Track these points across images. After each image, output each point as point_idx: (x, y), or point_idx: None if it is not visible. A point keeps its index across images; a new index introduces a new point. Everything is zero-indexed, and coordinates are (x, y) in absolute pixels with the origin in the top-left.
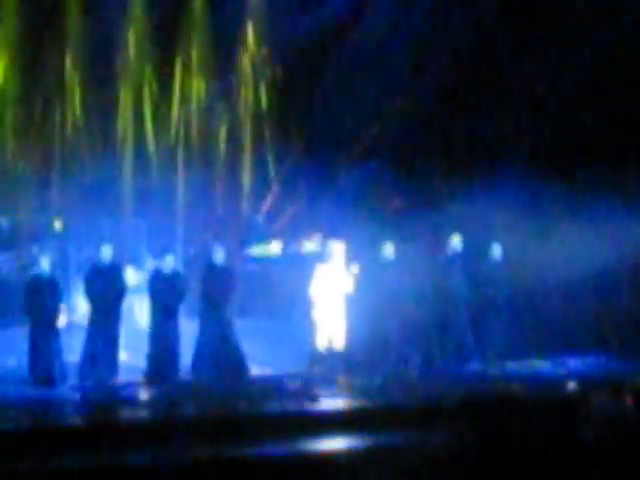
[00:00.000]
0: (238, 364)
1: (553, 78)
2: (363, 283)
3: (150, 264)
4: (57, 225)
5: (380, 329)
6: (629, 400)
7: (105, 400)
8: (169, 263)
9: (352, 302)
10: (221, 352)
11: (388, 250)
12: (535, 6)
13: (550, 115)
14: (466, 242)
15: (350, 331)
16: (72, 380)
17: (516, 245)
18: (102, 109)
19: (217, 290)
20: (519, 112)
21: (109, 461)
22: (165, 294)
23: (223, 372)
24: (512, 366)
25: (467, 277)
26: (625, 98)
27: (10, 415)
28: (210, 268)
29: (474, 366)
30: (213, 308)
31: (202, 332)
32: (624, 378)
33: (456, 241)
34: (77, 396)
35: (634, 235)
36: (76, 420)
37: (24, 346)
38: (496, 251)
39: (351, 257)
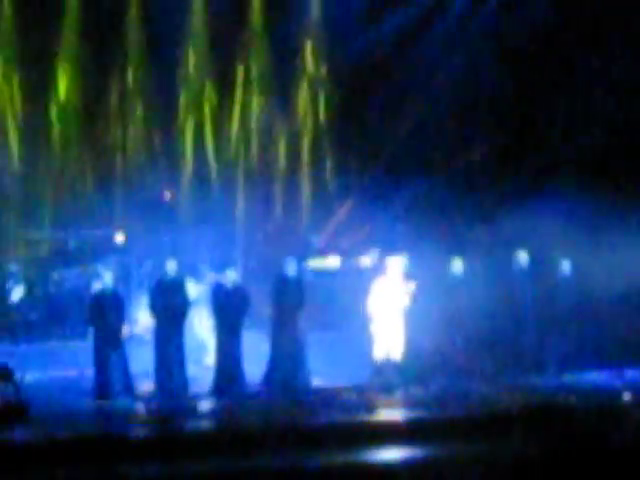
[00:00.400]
0: (304, 378)
1: (608, 96)
2: (425, 297)
3: (210, 277)
4: (119, 239)
5: (442, 342)
6: None
7: (175, 412)
8: (231, 277)
9: (411, 315)
10: (293, 365)
11: (457, 266)
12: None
13: (611, 134)
14: (533, 258)
15: (409, 344)
16: (137, 391)
17: (581, 261)
18: (163, 125)
19: (290, 302)
20: (578, 131)
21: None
22: (228, 308)
23: (290, 385)
24: (574, 378)
25: (535, 292)
26: None
27: (79, 426)
28: (282, 280)
29: (539, 378)
30: (286, 319)
31: (275, 344)
32: None
33: (523, 257)
34: (145, 407)
35: None
36: (148, 431)
37: (85, 358)
38: (565, 267)
39: (410, 272)
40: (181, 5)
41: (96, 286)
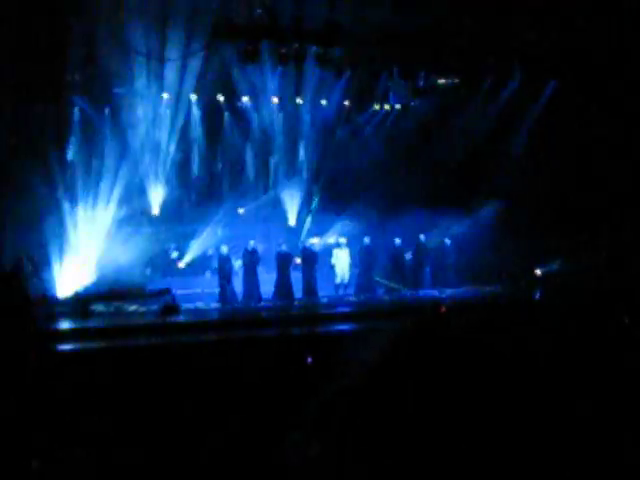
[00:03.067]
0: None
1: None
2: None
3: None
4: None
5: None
6: (442, 309)
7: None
8: (284, 248)
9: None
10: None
11: (398, 241)
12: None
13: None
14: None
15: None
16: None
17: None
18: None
19: (314, 260)
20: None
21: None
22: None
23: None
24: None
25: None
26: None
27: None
28: (308, 249)
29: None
30: (311, 266)
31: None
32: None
33: (422, 236)
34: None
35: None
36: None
37: (204, 284)
38: (447, 242)
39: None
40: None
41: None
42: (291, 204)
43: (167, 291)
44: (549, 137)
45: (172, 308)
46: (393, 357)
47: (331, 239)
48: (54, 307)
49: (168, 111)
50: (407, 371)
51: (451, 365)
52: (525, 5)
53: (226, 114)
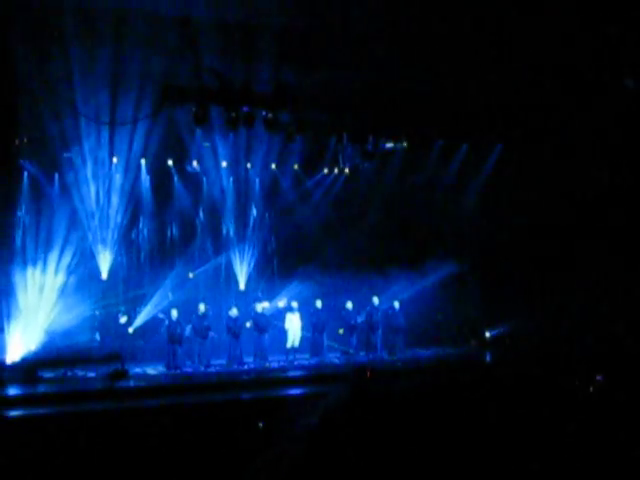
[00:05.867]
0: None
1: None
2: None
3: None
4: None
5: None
6: (368, 372)
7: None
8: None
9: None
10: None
11: (350, 305)
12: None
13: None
14: (380, 301)
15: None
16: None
17: (404, 302)
18: None
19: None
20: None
21: None
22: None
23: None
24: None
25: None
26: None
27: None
28: (260, 314)
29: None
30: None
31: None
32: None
33: (376, 300)
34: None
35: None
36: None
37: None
38: (396, 305)
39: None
40: None
41: (172, 314)
42: (241, 268)
43: (117, 356)
44: (498, 200)
45: (121, 373)
46: (328, 421)
47: (281, 303)
48: (2, 373)
49: (118, 175)
50: (340, 434)
51: (382, 426)
52: (471, 69)
53: (176, 178)
